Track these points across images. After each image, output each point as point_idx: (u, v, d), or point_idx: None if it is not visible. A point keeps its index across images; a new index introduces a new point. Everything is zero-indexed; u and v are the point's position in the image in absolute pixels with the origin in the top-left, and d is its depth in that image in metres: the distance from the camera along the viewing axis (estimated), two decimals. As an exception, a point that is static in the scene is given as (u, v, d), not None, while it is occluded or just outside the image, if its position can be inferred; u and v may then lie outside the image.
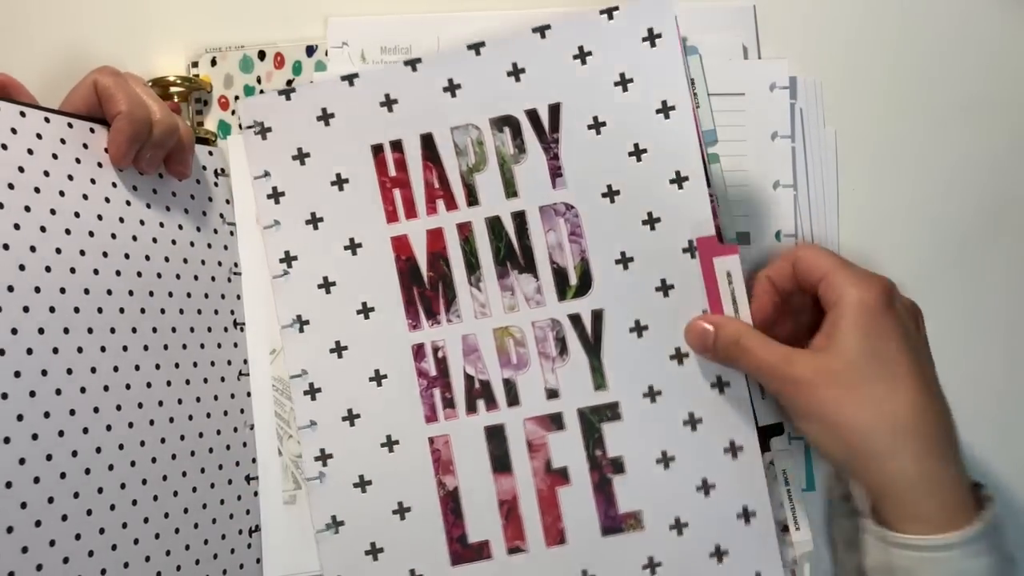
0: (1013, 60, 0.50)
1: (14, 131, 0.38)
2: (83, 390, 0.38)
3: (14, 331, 0.35)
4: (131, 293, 0.41)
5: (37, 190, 0.38)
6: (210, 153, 0.49)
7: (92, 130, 0.42)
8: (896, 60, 0.51)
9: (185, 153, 0.45)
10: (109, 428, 0.39)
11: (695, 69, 0.48)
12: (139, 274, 0.42)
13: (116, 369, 0.40)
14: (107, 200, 0.42)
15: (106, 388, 0.39)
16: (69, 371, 0.37)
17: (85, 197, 0.40)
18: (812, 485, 0.48)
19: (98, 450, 0.38)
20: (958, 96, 0.50)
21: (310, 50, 0.51)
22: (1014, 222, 0.50)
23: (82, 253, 0.39)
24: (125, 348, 0.40)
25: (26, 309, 0.36)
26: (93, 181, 0.41)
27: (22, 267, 0.36)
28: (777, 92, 0.49)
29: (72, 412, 0.37)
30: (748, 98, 0.49)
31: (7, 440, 0.34)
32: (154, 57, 0.52)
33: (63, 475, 0.36)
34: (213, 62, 0.52)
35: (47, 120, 0.40)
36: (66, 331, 0.38)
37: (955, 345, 0.49)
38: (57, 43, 0.52)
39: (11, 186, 0.37)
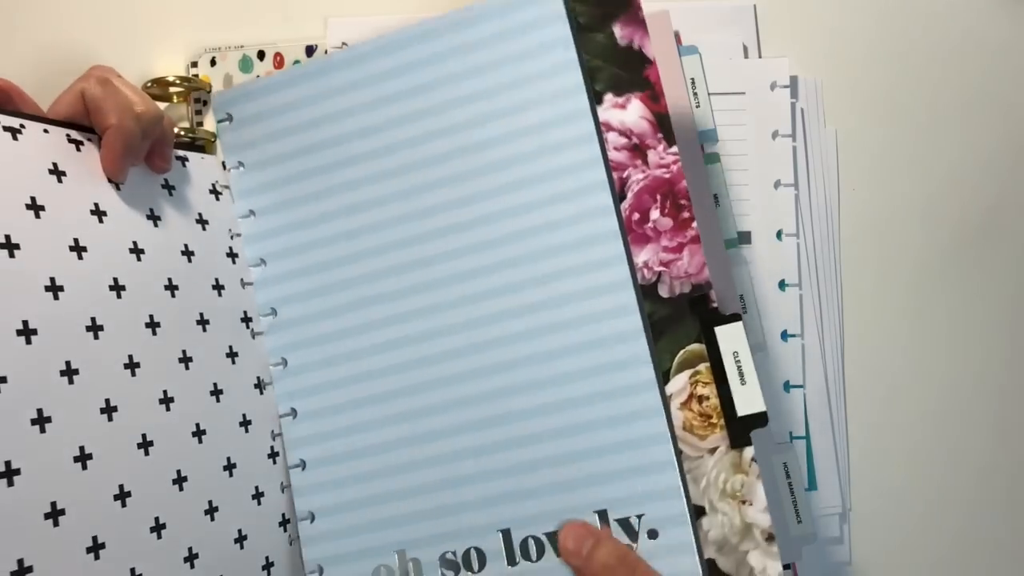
0: (1013, 60, 0.50)
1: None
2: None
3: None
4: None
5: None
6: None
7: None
8: (897, 59, 0.51)
9: (165, 146, 0.43)
10: None
11: (695, 68, 0.48)
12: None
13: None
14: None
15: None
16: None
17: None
18: (814, 485, 0.48)
19: None
20: (958, 96, 0.50)
21: (310, 50, 0.50)
22: (1013, 222, 0.50)
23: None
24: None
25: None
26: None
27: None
28: (778, 91, 0.49)
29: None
30: (749, 97, 0.49)
31: None
32: (154, 57, 0.51)
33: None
34: (213, 62, 0.51)
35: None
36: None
37: (955, 345, 0.50)
38: (56, 43, 0.52)
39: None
